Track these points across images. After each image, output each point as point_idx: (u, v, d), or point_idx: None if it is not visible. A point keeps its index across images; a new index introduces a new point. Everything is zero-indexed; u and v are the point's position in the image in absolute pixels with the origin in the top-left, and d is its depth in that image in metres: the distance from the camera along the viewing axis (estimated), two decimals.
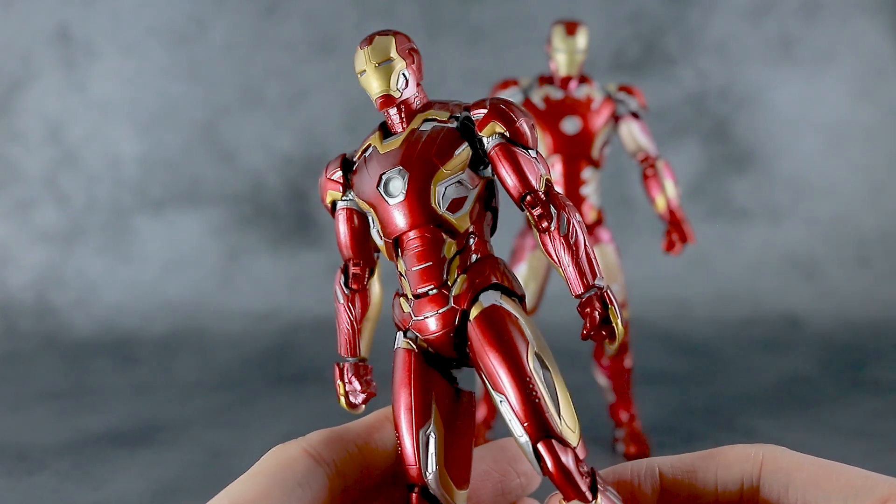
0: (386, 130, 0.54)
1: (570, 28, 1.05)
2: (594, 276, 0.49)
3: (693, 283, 1.79)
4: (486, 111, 0.51)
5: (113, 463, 1.08)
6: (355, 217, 0.55)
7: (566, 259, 0.49)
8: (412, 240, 0.51)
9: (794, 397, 1.27)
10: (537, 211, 0.50)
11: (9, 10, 1.92)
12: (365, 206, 0.53)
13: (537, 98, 1.06)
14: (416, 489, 0.49)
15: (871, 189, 1.91)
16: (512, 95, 1.06)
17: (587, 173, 1.05)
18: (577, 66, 1.06)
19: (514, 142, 0.51)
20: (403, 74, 0.53)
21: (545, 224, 0.50)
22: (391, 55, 0.52)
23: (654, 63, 1.94)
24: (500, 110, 0.51)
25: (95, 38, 1.92)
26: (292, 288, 1.82)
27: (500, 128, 0.51)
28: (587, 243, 0.50)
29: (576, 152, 1.04)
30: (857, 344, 1.55)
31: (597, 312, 0.48)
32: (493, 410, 1.08)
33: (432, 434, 0.49)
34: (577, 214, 0.51)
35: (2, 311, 1.78)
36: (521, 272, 1.04)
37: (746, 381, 1.35)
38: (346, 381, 0.55)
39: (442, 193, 0.51)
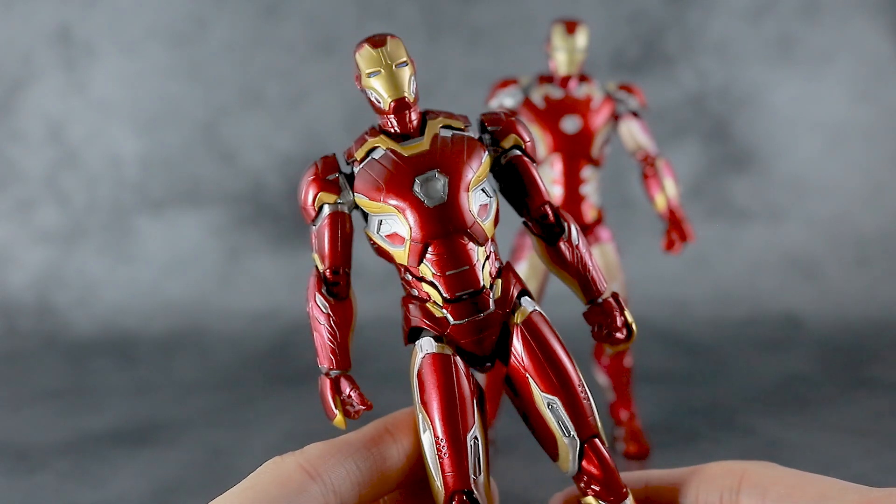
0: (389, 134, 0.51)
1: (570, 27, 1.05)
2: (602, 281, 0.53)
3: (693, 283, 1.79)
4: (503, 123, 0.54)
5: (113, 462, 1.08)
6: (347, 222, 0.52)
7: (584, 265, 0.53)
8: (447, 243, 0.49)
9: (794, 397, 1.27)
10: (553, 221, 0.53)
11: (9, 10, 1.92)
12: (378, 208, 0.50)
13: (537, 97, 1.06)
14: (460, 495, 0.47)
15: (871, 189, 1.91)
16: (512, 94, 1.07)
17: (587, 172, 1.05)
18: (577, 65, 1.06)
19: (529, 155, 0.54)
20: (414, 79, 0.51)
21: (559, 233, 0.53)
22: (406, 58, 0.51)
23: (653, 63, 1.94)
24: (519, 123, 0.54)
25: (96, 39, 1.93)
26: (292, 288, 1.82)
27: (519, 140, 0.53)
28: (590, 250, 0.54)
29: (576, 151, 1.05)
30: (857, 344, 1.54)
31: (616, 314, 0.52)
32: (495, 410, 1.08)
33: (479, 438, 0.48)
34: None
35: (2, 311, 1.78)
36: (522, 270, 1.04)
37: (746, 381, 1.35)
38: (345, 394, 0.50)
39: (475, 199, 0.51)
